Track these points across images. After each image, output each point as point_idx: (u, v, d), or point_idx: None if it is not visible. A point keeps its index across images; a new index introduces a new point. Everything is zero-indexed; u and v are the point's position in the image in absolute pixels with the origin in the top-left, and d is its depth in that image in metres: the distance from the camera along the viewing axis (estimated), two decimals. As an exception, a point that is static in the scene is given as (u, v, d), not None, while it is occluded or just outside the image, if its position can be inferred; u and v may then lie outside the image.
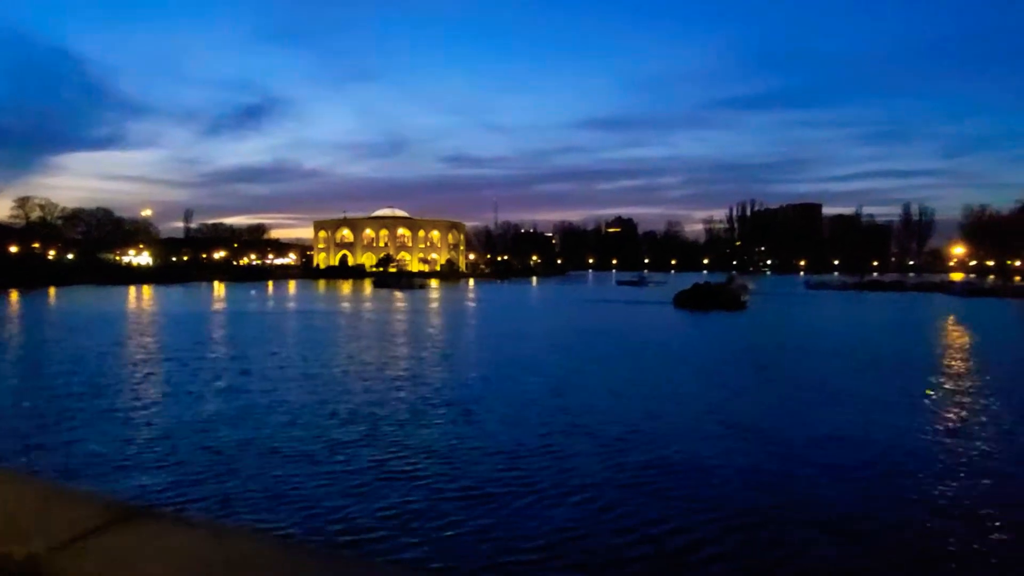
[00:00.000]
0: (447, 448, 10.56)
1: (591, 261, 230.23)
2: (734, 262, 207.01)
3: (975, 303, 55.83)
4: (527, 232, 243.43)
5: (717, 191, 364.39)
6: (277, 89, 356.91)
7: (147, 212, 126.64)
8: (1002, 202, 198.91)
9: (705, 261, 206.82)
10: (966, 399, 15.30)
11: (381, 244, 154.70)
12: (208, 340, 25.36)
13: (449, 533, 7.21)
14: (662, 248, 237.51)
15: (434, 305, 52.09)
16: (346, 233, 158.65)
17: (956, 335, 31.35)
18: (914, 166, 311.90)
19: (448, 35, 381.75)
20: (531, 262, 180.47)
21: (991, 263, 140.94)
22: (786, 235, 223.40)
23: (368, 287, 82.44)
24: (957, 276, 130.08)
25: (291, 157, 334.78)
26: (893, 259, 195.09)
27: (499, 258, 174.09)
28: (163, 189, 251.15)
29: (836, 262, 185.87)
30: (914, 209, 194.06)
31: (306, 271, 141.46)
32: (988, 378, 18.20)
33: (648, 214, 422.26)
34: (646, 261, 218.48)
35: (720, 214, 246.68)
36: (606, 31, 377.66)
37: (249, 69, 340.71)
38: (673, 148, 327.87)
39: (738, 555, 6.78)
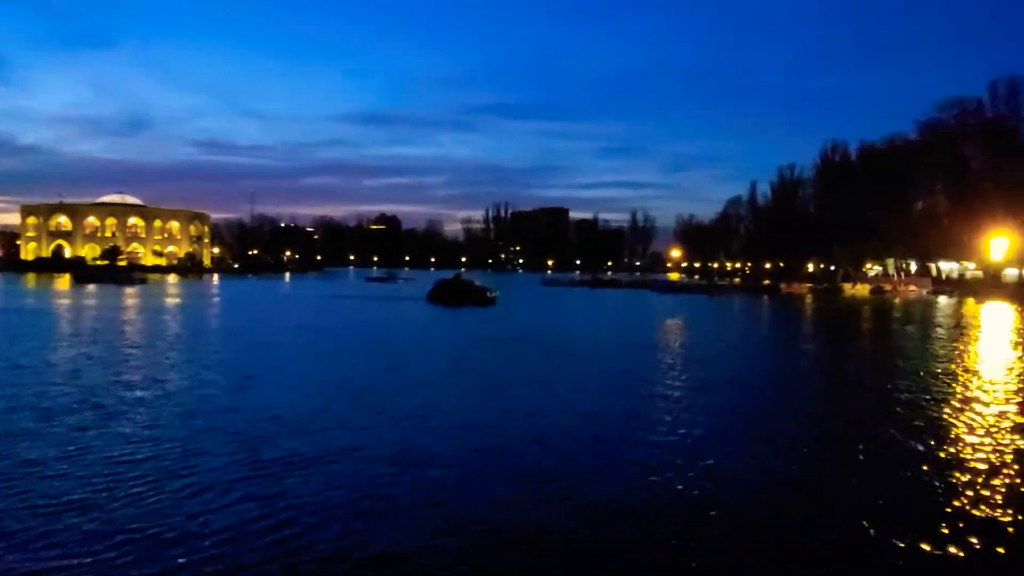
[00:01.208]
0: (54, 458, 9.98)
1: (352, 258, 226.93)
2: (490, 260, 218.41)
3: (669, 298, 66.06)
4: (287, 226, 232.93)
5: (479, 192, 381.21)
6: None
7: None
8: (707, 213, 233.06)
9: (463, 260, 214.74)
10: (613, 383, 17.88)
11: (108, 234, 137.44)
12: None
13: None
14: (423, 246, 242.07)
15: (158, 302, 47.80)
16: (63, 220, 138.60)
17: (634, 324, 36.47)
18: (643, 179, 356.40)
19: (203, 7, 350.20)
20: (285, 257, 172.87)
21: (698, 264, 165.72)
22: (538, 236, 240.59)
23: (87, 283, 72.72)
24: (674, 275, 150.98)
25: (1, 129, 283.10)
26: (626, 260, 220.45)
27: (249, 252, 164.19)
28: None
29: (578, 262, 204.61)
30: (640, 217, 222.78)
31: (9, 264, 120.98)
32: (655, 362, 21.57)
33: (414, 212, 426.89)
34: (407, 259, 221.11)
35: (478, 214, 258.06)
36: (374, 26, 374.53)
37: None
38: (438, 148, 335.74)
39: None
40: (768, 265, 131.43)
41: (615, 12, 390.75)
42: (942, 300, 69.67)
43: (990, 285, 79.90)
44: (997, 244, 73.41)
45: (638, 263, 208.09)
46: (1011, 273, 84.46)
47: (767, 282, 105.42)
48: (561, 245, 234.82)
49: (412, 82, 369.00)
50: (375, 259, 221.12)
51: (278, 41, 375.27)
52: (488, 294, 49.62)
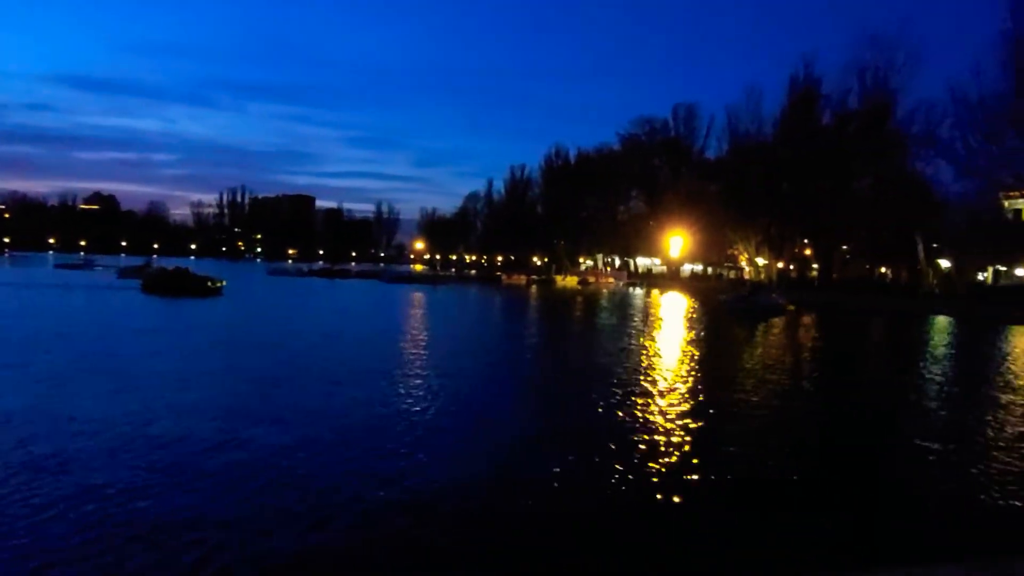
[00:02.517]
0: None
1: (53, 241, 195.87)
2: (223, 248, 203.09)
3: (395, 288, 67.70)
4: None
5: (216, 174, 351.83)
6: None
7: None
8: (453, 207, 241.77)
9: (193, 247, 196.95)
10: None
11: None
12: None
13: None
14: (145, 231, 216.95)
15: None
16: None
17: (340, 313, 36.86)
18: (392, 171, 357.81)
19: None
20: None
21: (439, 256, 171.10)
22: (281, 224, 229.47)
23: None
24: (418, 267, 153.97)
25: None
26: (372, 251, 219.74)
27: None
28: None
29: (321, 252, 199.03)
30: (385, 208, 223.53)
31: None
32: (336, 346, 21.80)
33: (138, 192, 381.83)
34: (123, 244, 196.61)
35: (211, 198, 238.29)
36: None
37: None
38: (170, 123, 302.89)
39: None
40: (500, 258, 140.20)
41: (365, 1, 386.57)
42: (632, 290, 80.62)
43: (670, 278, 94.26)
44: (674, 243, 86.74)
45: (382, 254, 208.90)
46: (687, 269, 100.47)
47: (498, 274, 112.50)
48: (306, 234, 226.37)
49: (138, 45, 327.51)
50: (82, 243, 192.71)
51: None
52: (209, 284, 47.21)
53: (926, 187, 68.10)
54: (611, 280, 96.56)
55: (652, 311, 47.31)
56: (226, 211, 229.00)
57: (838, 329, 39.86)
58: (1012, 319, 45.85)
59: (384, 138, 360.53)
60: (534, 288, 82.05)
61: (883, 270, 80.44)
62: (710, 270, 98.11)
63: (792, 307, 44.76)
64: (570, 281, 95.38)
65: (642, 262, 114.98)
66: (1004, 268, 67.42)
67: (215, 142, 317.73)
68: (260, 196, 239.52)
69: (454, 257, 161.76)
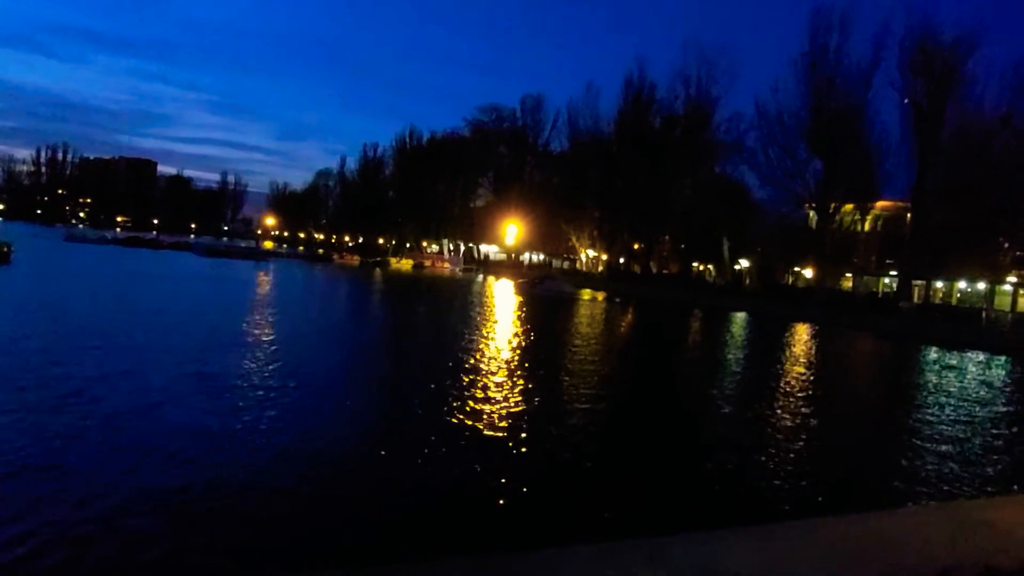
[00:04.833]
0: None
1: None
2: (38, 211, 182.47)
3: (205, 261, 63.28)
4: None
5: (50, 130, 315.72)
6: None
7: None
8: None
9: (0, 208, 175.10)
10: None
11: None
12: None
13: None
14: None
15: None
16: None
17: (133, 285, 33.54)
18: (251, 141, 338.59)
19: None
20: None
21: (287, 233, 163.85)
22: (115, 188, 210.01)
23: None
24: (268, 244, 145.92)
25: None
26: (220, 224, 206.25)
27: None
28: None
29: (156, 221, 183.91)
30: (232, 179, 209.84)
31: None
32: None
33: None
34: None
35: (27, 154, 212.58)
36: None
37: None
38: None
39: None
40: (348, 238, 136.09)
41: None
42: (466, 276, 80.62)
43: (509, 266, 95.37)
44: (510, 231, 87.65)
45: (226, 228, 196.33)
46: (526, 257, 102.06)
47: (333, 253, 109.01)
48: (143, 202, 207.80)
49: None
50: None
51: None
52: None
53: (738, 192, 72.93)
54: (446, 265, 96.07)
55: (451, 294, 47.22)
56: (44, 170, 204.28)
57: (595, 314, 41.23)
58: (796, 317, 50.03)
59: (244, 105, 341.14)
60: (363, 270, 79.81)
61: (706, 267, 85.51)
62: (547, 259, 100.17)
63: (576, 294, 46.47)
64: (405, 264, 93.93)
65: (488, 249, 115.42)
66: (799, 270, 73.86)
67: (49, 93, 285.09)
68: (92, 156, 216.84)
69: (303, 235, 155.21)
